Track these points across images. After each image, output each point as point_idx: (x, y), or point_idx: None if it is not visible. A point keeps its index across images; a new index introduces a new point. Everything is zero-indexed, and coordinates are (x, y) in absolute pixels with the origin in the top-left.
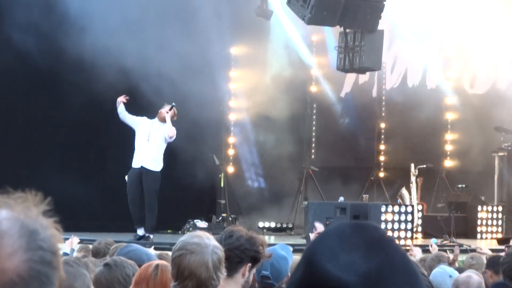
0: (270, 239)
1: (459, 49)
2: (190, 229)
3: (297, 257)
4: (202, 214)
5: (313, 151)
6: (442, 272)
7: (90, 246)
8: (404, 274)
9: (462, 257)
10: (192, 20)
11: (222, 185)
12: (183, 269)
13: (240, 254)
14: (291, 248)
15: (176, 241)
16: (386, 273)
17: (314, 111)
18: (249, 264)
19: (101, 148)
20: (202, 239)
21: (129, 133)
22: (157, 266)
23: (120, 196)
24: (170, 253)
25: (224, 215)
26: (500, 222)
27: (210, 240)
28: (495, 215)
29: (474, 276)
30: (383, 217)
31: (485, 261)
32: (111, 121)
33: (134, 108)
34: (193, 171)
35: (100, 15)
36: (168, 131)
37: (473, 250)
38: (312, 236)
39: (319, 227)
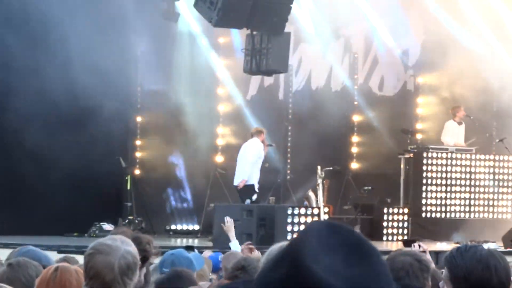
0: (177, 241)
1: (367, 51)
2: (97, 231)
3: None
4: (109, 217)
5: (219, 153)
6: None
7: None
8: (385, 286)
9: None
10: (99, 23)
11: (128, 187)
12: (89, 269)
13: None
14: (203, 258)
15: (82, 244)
16: (369, 281)
17: (220, 114)
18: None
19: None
20: (115, 242)
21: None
22: (56, 268)
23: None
24: (75, 256)
25: (130, 217)
26: (405, 224)
27: (124, 245)
28: (400, 217)
29: None
30: (289, 220)
31: None
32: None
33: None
34: (99, 174)
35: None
36: None
37: (383, 253)
38: (242, 247)
39: (228, 220)
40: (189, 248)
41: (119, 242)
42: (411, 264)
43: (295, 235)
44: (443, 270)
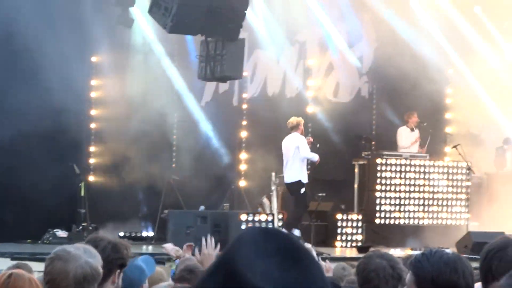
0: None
1: (321, 57)
2: (50, 238)
3: (160, 269)
4: (63, 223)
5: (174, 160)
6: None
7: None
8: None
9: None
10: (52, 28)
11: (82, 194)
12: (47, 273)
13: (108, 265)
14: (154, 261)
15: (35, 251)
16: (303, 285)
17: (175, 120)
18: (118, 271)
19: None
20: (78, 250)
21: None
22: (10, 274)
23: None
24: (28, 262)
25: (84, 224)
26: (360, 231)
27: (87, 255)
28: (355, 224)
29: None
30: (243, 226)
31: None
32: None
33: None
34: (53, 180)
35: None
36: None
37: (337, 259)
38: (184, 247)
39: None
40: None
41: (81, 251)
42: (384, 268)
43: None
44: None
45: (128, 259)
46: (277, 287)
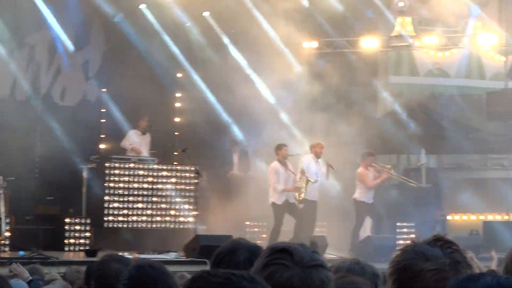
0: None
1: (50, 60)
2: None
3: None
4: None
5: None
6: None
7: None
8: None
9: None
10: None
11: None
12: None
13: None
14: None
15: None
16: None
17: None
18: None
19: None
20: None
21: None
22: None
23: None
24: None
25: None
26: (88, 234)
27: None
28: (83, 227)
29: None
30: None
31: None
32: None
33: None
34: None
35: None
36: None
37: (65, 263)
38: None
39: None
40: None
41: None
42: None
43: None
44: None
45: None
46: None
